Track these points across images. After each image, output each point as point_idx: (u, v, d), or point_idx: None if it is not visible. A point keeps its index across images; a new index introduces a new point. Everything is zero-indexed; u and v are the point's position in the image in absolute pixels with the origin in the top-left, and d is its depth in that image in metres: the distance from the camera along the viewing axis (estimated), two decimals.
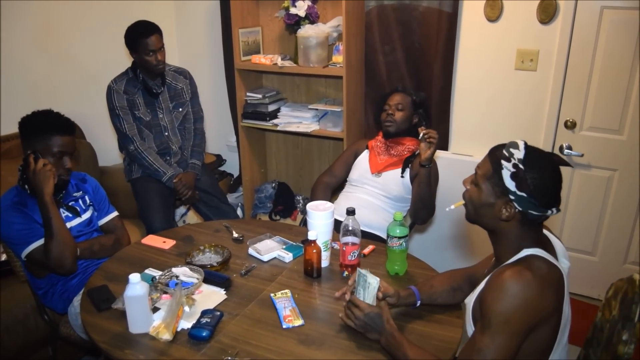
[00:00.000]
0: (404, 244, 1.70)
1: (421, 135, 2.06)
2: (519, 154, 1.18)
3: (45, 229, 1.77)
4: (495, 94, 2.75)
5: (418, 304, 1.52)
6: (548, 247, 1.25)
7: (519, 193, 1.18)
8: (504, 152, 1.20)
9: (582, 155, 2.63)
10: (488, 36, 2.66)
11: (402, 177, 2.30)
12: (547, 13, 2.50)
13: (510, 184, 1.18)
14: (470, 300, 1.31)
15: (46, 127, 1.81)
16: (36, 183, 1.75)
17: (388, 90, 2.61)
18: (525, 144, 1.20)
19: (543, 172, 1.16)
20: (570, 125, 2.63)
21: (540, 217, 1.19)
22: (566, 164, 1.23)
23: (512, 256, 1.22)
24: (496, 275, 1.18)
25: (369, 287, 1.43)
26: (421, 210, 2.23)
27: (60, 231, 1.77)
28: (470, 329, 1.29)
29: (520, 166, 1.17)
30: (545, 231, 1.30)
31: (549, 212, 1.18)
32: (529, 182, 1.16)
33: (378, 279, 1.43)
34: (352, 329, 1.43)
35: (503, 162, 1.19)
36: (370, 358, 1.35)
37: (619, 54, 2.44)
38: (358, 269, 1.48)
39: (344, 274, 1.73)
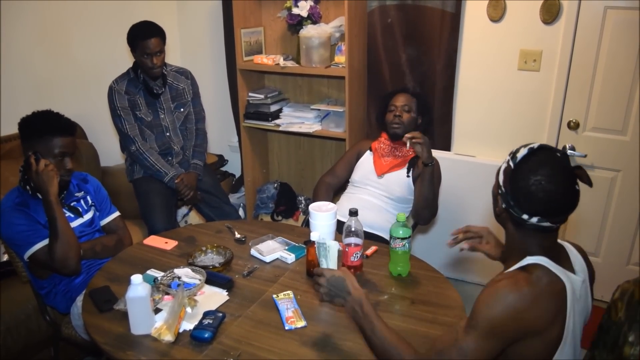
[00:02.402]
0: (406, 244, 1.69)
1: (408, 144, 2.08)
2: (522, 152, 1.17)
3: (50, 230, 1.76)
4: (498, 94, 2.74)
5: None
6: (561, 256, 1.23)
7: (502, 188, 1.19)
8: (516, 149, 1.20)
9: (585, 156, 2.62)
10: (491, 36, 2.66)
11: (407, 176, 2.29)
12: (550, 13, 2.49)
13: (500, 178, 1.21)
14: None
15: (47, 129, 1.80)
16: (40, 184, 1.74)
17: (390, 90, 2.60)
18: (538, 147, 1.16)
19: (531, 176, 1.12)
20: (574, 126, 2.62)
21: (522, 221, 1.17)
22: (585, 181, 1.17)
23: (516, 262, 1.21)
24: (495, 281, 1.17)
25: (329, 251, 1.39)
26: (424, 210, 2.23)
27: (65, 232, 1.76)
28: None
29: (511, 163, 1.17)
30: (564, 242, 1.29)
31: (526, 216, 1.15)
32: (514, 178, 1.16)
33: (338, 243, 1.40)
34: (356, 331, 1.42)
35: (507, 156, 1.21)
36: None
37: (623, 55, 2.43)
38: (316, 240, 1.42)
39: None
